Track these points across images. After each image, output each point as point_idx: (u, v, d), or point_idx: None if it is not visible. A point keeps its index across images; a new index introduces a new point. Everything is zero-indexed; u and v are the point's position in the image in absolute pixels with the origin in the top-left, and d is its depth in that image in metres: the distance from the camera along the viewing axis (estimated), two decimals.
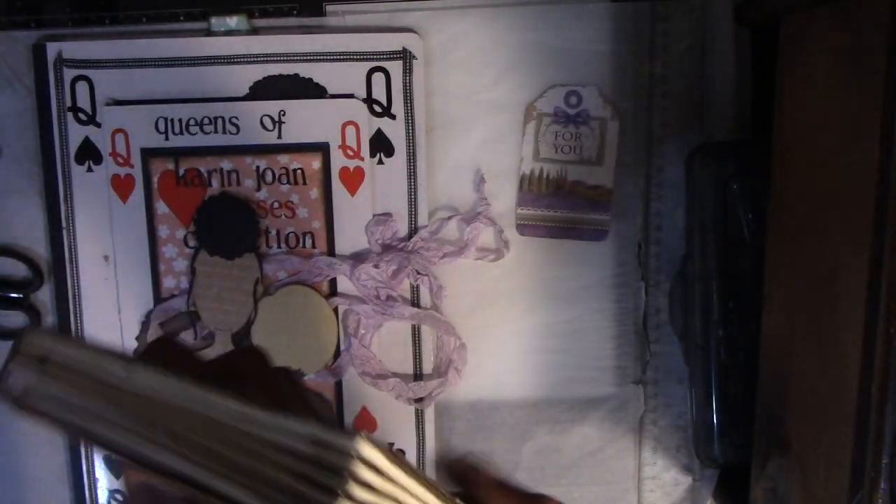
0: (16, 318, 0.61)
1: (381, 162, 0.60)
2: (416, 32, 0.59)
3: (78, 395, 0.27)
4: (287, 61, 0.58)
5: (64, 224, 0.60)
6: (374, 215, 0.60)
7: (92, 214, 0.60)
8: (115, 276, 0.60)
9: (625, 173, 0.61)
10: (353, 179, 0.60)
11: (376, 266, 0.59)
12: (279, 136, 0.59)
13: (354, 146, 0.59)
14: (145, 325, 0.61)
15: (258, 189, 0.60)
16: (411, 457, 0.63)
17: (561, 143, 0.60)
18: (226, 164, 0.59)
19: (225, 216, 0.59)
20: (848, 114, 0.44)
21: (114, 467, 0.62)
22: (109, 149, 0.59)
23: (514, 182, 0.61)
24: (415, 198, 0.60)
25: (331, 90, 0.59)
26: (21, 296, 0.61)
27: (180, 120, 0.59)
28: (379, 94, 0.59)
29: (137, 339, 0.61)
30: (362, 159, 0.59)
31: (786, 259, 0.52)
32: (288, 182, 0.60)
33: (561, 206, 0.61)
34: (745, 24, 0.59)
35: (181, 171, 0.59)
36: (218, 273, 0.60)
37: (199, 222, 0.60)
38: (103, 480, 0.62)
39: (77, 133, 0.59)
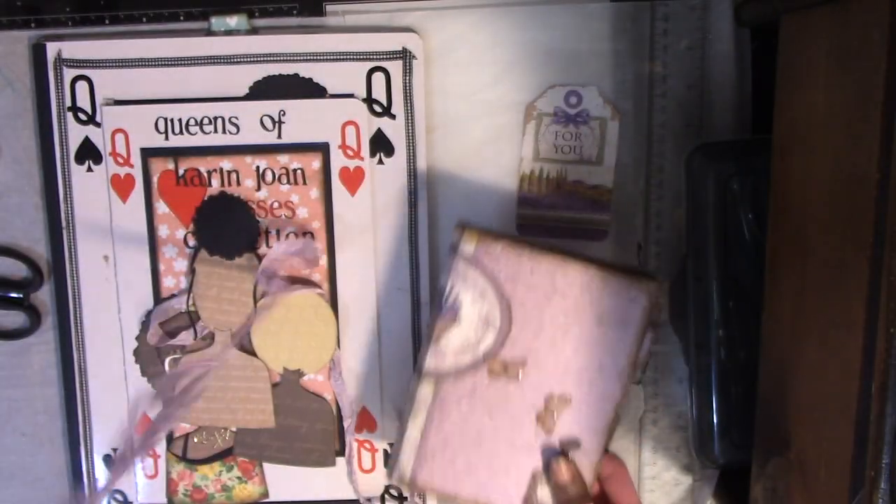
0: (16, 318, 0.61)
1: (381, 162, 0.60)
2: (416, 32, 0.59)
3: None
4: (287, 61, 0.58)
5: (64, 224, 0.60)
6: None
7: (92, 214, 0.60)
8: (115, 276, 0.60)
9: (625, 173, 0.61)
10: (353, 179, 0.60)
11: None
12: (279, 136, 0.59)
13: (354, 146, 0.59)
14: (145, 325, 0.61)
15: (258, 189, 0.60)
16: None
17: (561, 143, 0.60)
18: (226, 164, 0.59)
19: (225, 216, 0.60)
20: (848, 114, 0.44)
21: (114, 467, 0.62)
22: (109, 149, 0.59)
23: (515, 182, 0.61)
24: (415, 198, 0.60)
25: (331, 90, 0.59)
26: (21, 296, 0.61)
27: (180, 120, 0.59)
28: (379, 93, 0.59)
29: (137, 338, 0.61)
30: (362, 159, 0.59)
31: (786, 259, 0.52)
32: (288, 182, 0.60)
33: (561, 205, 0.61)
34: (745, 24, 0.59)
35: (181, 171, 0.59)
36: (218, 273, 0.60)
37: (199, 222, 0.60)
38: (103, 480, 0.62)
39: (77, 133, 0.59)
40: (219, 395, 0.61)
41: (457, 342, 0.54)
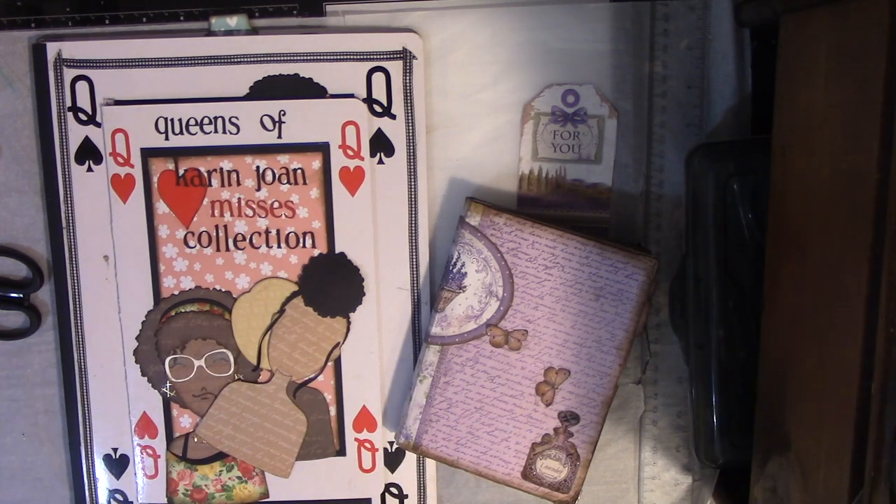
0: (16, 318, 0.62)
1: (381, 162, 0.60)
2: (416, 32, 0.59)
3: None
4: (287, 61, 0.59)
5: (64, 224, 0.60)
6: None
7: (92, 214, 0.60)
8: (115, 276, 0.60)
9: (624, 173, 0.61)
10: (354, 179, 0.60)
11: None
12: (279, 136, 0.59)
13: (354, 146, 0.59)
14: (145, 325, 0.61)
15: (258, 189, 0.60)
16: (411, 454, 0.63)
17: (559, 142, 0.60)
18: (226, 164, 0.59)
19: (335, 276, 0.60)
20: (848, 114, 0.44)
21: (114, 467, 0.62)
22: (109, 149, 0.59)
23: (514, 181, 0.61)
24: (415, 198, 0.60)
25: (331, 90, 0.59)
26: (21, 296, 0.61)
27: (180, 120, 0.59)
28: (379, 93, 0.59)
29: (137, 338, 0.61)
30: (362, 159, 0.59)
31: (785, 259, 0.52)
32: (288, 182, 0.60)
33: (560, 204, 0.61)
34: (745, 24, 0.59)
35: (181, 171, 0.59)
36: (305, 323, 0.60)
37: (308, 272, 0.60)
38: (103, 480, 0.62)
39: (77, 133, 0.59)
40: (250, 430, 0.62)
41: (461, 310, 0.56)
